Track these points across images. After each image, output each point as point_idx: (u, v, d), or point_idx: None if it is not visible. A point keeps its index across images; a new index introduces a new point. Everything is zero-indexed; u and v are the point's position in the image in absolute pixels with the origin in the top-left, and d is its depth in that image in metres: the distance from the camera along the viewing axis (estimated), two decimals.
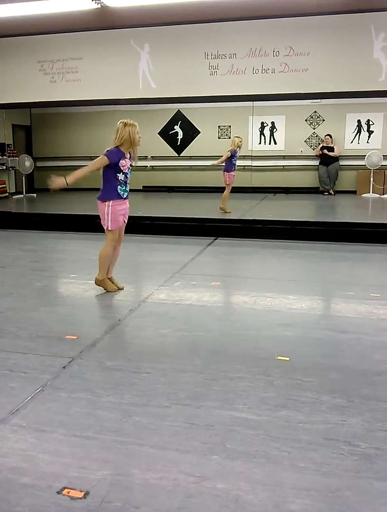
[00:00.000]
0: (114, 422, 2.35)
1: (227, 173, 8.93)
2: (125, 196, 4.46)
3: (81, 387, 2.71)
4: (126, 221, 4.59)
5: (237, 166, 9.10)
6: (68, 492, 1.87)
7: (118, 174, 4.33)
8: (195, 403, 2.53)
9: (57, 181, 4.26)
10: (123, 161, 4.30)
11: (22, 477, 1.97)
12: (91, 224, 7.98)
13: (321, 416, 2.40)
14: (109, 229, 4.44)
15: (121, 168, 4.30)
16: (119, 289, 4.59)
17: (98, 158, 4.29)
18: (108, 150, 4.27)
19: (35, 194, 12.31)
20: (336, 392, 2.65)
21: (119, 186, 4.38)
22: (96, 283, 4.56)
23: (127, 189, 4.49)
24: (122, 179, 4.37)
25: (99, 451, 2.13)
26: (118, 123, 4.30)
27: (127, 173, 4.42)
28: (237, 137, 9.00)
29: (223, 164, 8.92)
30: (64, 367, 2.95)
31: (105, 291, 4.53)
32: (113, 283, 4.62)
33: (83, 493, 1.87)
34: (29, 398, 2.58)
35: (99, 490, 1.88)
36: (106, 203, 4.37)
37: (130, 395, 2.62)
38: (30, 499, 1.85)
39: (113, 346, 3.32)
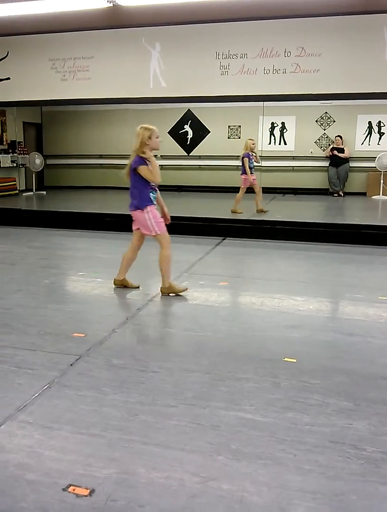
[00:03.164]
0: (120, 420, 2.36)
1: (242, 176, 8.88)
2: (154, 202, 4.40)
3: (88, 384, 2.72)
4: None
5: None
6: (74, 490, 1.88)
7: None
8: (201, 403, 2.53)
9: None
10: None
11: (28, 473, 1.98)
12: (100, 222, 8.04)
13: (327, 419, 2.40)
14: (158, 233, 4.32)
15: None
16: (136, 287, 4.62)
17: (142, 168, 4.18)
18: (136, 161, 4.19)
19: (45, 192, 12.37)
20: (342, 395, 2.64)
21: (150, 193, 4.31)
22: (163, 292, 4.41)
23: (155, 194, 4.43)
24: (153, 185, 4.31)
25: (105, 449, 2.14)
26: (138, 128, 4.22)
27: None
28: (249, 139, 8.95)
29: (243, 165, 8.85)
30: (71, 365, 2.97)
31: (173, 294, 4.39)
32: (128, 283, 4.62)
33: (88, 490, 1.88)
34: (36, 395, 2.60)
35: (105, 488, 1.89)
36: (145, 210, 4.28)
37: (137, 393, 2.62)
38: (36, 496, 1.86)
39: (120, 345, 3.33)
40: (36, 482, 1.93)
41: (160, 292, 4.42)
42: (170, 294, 4.39)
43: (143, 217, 4.31)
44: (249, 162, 8.74)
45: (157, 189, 4.39)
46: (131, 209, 4.37)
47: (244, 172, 8.81)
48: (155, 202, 4.38)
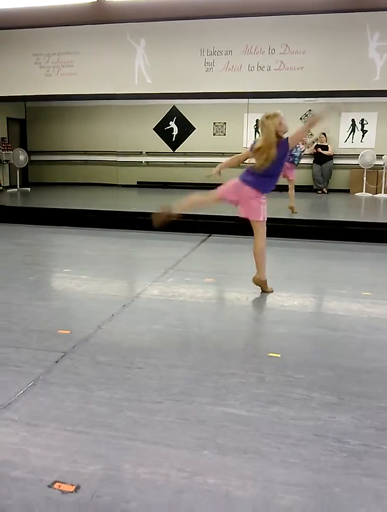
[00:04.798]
0: (106, 417, 2.36)
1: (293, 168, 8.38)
2: None
3: (73, 381, 2.72)
4: None
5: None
6: (59, 486, 1.88)
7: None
8: (187, 399, 2.54)
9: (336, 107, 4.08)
10: None
11: (13, 470, 1.98)
12: (85, 219, 8.00)
13: (311, 413, 2.42)
14: (260, 220, 4.28)
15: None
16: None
17: (289, 137, 4.12)
18: (283, 140, 4.08)
19: (29, 188, 12.26)
20: (326, 389, 2.67)
21: None
22: (256, 283, 4.38)
23: None
24: None
25: (90, 446, 2.14)
26: (263, 119, 4.12)
27: None
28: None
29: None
30: (56, 362, 2.96)
31: (263, 291, 4.38)
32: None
33: (74, 487, 1.88)
34: (21, 392, 2.58)
35: (90, 484, 1.89)
36: (263, 196, 4.27)
37: (122, 390, 2.63)
38: (21, 493, 1.85)
39: (105, 341, 3.33)
40: (22, 479, 1.93)
41: (254, 282, 4.40)
42: (260, 288, 4.37)
43: (259, 200, 4.24)
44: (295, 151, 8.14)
45: None
46: (252, 187, 4.20)
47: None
48: None
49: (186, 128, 13.06)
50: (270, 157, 4.05)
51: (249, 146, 4.32)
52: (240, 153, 4.55)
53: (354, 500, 1.85)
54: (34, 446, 2.14)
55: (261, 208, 4.28)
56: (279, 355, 3.10)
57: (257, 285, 4.42)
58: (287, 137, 4.10)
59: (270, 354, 3.12)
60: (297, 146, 8.20)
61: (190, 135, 13.08)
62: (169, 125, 13.13)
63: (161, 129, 13.15)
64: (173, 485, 1.90)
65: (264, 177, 4.20)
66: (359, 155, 11.36)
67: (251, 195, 4.24)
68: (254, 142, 4.30)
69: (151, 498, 1.84)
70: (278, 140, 4.07)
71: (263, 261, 4.38)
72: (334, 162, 12.13)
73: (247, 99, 10.28)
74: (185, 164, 13.08)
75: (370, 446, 2.16)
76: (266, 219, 4.33)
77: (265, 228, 4.37)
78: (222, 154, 12.53)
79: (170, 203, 4.45)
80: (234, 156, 4.53)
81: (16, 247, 6.43)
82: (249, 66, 7.79)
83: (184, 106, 12.74)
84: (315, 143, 12.14)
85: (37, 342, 3.26)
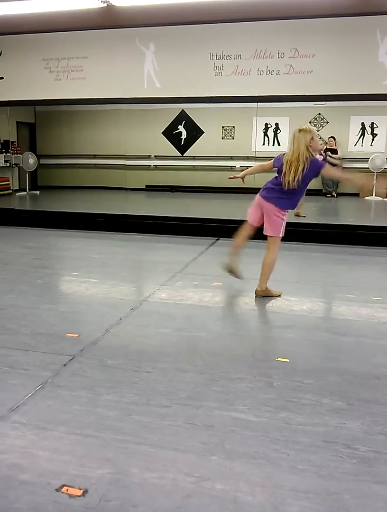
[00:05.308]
0: (114, 421, 2.36)
1: None
2: None
3: (81, 385, 2.72)
4: None
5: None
6: (67, 490, 1.88)
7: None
8: (195, 403, 2.53)
9: (363, 178, 4.10)
10: None
11: (22, 474, 1.98)
12: (94, 222, 8.03)
13: (320, 419, 2.40)
14: (279, 236, 4.29)
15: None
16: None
17: (327, 166, 4.17)
18: (317, 161, 4.11)
19: (39, 192, 12.33)
20: (336, 394, 2.65)
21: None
22: (258, 295, 4.37)
23: None
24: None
25: (98, 450, 2.14)
26: (295, 132, 4.11)
27: None
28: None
29: None
30: (64, 365, 2.96)
31: (269, 296, 4.39)
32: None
33: (82, 491, 1.87)
34: (30, 395, 2.59)
35: (98, 488, 1.89)
36: (286, 212, 4.25)
37: (131, 394, 2.62)
38: (29, 496, 1.85)
39: (114, 345, 3.33)
40: (30, 482, 1.93)
41: (257, 294, 4.39)
42: (265, 297, 4.38)
43: (280, 216, 4.23)
44: None
45: None
46: (273, 203, 4.21)
47: None
48: None
49: (195, 132, 13.08)
50: (298, 171, 4.02)
51: (275, 158, 4.26)
52: (264, 162, 4.45)
53: (364, 507, 1.82)
54: (42, 449, 2.14)
55: (282, 224, 4.26)
56: (288, 360, 3.08)
57: (262, 296, 4.38)
58: (324, 162, 4.07)
59: (279, 359, 3.10)
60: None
61: (199, 139, 13.10)
62: (178, 129, 13.16)
63: (170, 133, 13.18)
64: (181, 490, 1.89)
65: (287, 193, 4.17)
66: (369, 158, 11.31)
67: (273, 211, 4.23)
68: (282, 154, 4.21)
69: (159, 503, 1.83)
70: (309, 157, 4.03)
71: (269, 273, 4.37)
72: (343, 166, 12.09)
73: (256, 103, 10.27)
74: (194, 168, 13.09)
75: (380, 453, 2.14)
76: (283, 235, 4.31)
77: (279, 243, 4.35)
78: (231, 158, 12.56)
79: (225, 261, 4.60)
80: (259, 164, 4.52)
81: (24, 251, 6.46)
82: (258, 70, 7.78)
83: (192, 110, 12.76)
84: (324, 147, 12.11)
85: (45, 345, 3.26)
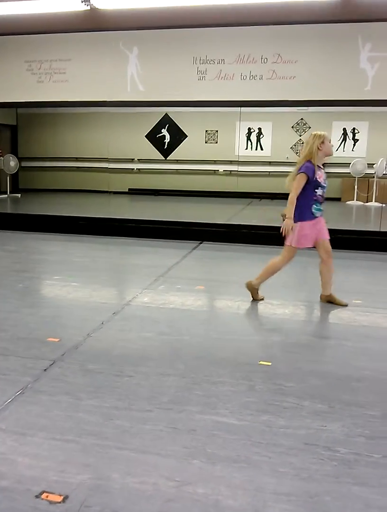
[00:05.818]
0: (95, 426, 2.34)
1: None
2: (318, 215, 4.23)
3: (62, 390, 2.69)
4: (328, 237, 4.36)
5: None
6: (47, 496, 1.86)
7: (316, 190, 4.13)
8: (177, 407, 2.52)
9: (288, 225, 4.05)
10: (319, 172, 4.16)
11: (1, 480, 1.95)
12: (75, 226, 7.97)
13: (301, 421, 2.42)
14: (291, 245, 4.19)
15: (319, 181, 4.13)
16: (344, 305, 4.30)
17: (298, 177, 4.07)
18: (303, 166, 4.07)
19: (20, 195, 12.21)
20: (317, 397, 2.66)
21: (314, 205, 4.17)
22: (247, 287, 4.38)
23: (322, 207, 4.26)
24: (320, 194, 4.18)
25: (79, 455, 2.11)
26: (309, 137, 4.14)
27: (325, 187, 4.23)
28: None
29: None
30: (45, 370, 2.93)
31: (253, 299, 4.39)
32: (335, 300, 4.35)
33: (62, 497, 1.85)
34: (9, 400, 2.55)
35: (79, 494, 1.87)
36: (296, 224, 4.12)
37: (112, 398, 2.60)
38: (8, 503, 1.82)
39: (95, 349, 3.30)
40: (9, 489, 1.90)
41: (246, 286, 4.38)
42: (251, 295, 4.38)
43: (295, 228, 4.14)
44: None
45: (323, 198, 4.24)
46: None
47: None
48: (317, 214, 4.21)
49: (178, 136, 13.10)
50: (293, 174, 4.09)
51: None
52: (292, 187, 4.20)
53: (345, 508, 1.84)
54: (21, 455, 2.11)
55: (294, 234, 4.16)
56: (269, 363, 3.10)
57: (248, 289, 4.40)
58: (302, 172, 4.03)
59: (261, 362, 3.11)
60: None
61: (182, 143, 13.12)
62: (161, 133, 13.16)
63: (153, 137, 13.18)
64: (162, 494, 1.88)
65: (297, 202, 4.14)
66: (350, 163, 11.45)
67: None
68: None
69: (140, 508, 1.81)
70: (305, 162, 4.07)
71: (268, 275, 4.36)
72: (325, 171, 12.20)
73: (239, 108, 10.33)
74: (177, 172, 13.10)
75: (361, 455, 2.15)
76: (297, 246, 4.22)
77: (291, 255, 4.29)
78: (214, 162, 12.61)
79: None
80: (291, 197, 4.15)
81: (4, 254, 6.39)
82: (241, 75, 7.83)
83: (176, 114, 12.78)
84: None
85: (25, 350, 3.23)
